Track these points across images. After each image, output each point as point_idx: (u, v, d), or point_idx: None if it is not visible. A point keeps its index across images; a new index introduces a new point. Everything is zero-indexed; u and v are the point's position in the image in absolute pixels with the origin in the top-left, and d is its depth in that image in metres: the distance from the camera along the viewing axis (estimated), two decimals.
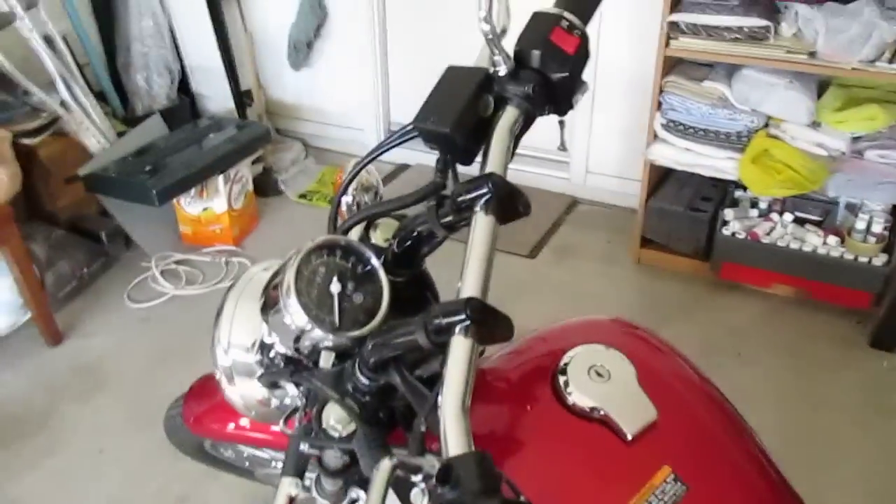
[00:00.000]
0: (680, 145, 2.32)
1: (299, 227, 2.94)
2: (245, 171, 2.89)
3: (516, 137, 0.72)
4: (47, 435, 2.05)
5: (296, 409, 0.78)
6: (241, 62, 3.27)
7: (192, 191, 2.73)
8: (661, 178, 2.59)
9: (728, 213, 2.35)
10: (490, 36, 0.69)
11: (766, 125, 2.22)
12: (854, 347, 2.20)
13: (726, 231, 2.32)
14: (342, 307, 0.72)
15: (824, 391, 2.07)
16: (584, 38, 0.75)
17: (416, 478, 0.53)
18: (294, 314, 0.69)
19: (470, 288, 0.59)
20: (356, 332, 0.71)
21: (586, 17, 0.77)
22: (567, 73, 0.73)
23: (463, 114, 0.69)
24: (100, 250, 2.72)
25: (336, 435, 0.71)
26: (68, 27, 2.86)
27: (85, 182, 2.61)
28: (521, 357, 0.78)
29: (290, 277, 0.70)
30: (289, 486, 0.81)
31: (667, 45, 2.22)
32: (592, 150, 2.93)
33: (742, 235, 2.29)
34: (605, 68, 2.72)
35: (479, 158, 0.72)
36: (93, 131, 2.70)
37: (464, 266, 0.62)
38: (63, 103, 2.64)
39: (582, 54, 0.75)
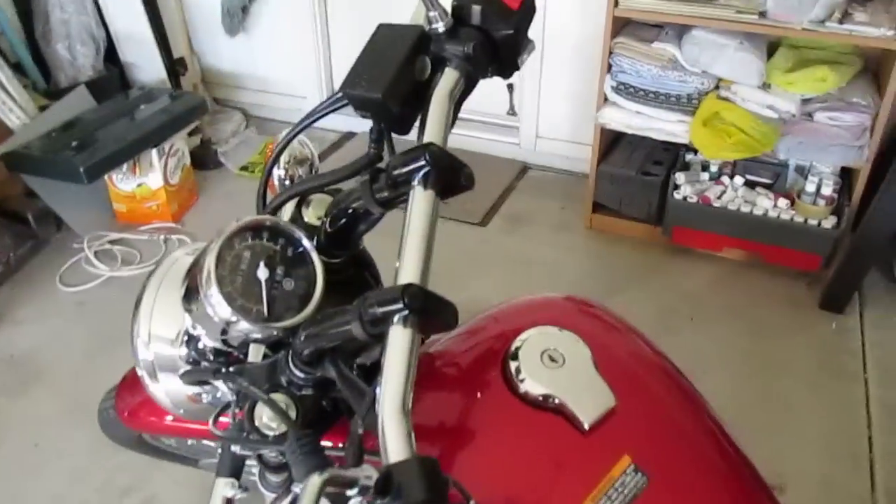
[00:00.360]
0: (630, 108, 2.28)
1: (241, 200, 2.82)
2: (181, 143, 2.76)
3: (457, 102, 0.66)
4: None
5: (227, 406, 0.70)
6: (171, 29, 3.10)
7: (124, 166, 2.59)
8: (612, 142, 2.54)
9: (679, 177, 2.32)
10: None
11: (717, 87, 2.19)
12: (805, 310, 2.21)
13: (678, 195, 2.29)
14: (271, 295, 0.65)
15: (776, 354, 2.07)
16: None
17: (352, 492, 0.46)
18: (216, 305, 0.62)
19: (408, 273, 0.53)
20: (287, 322, 0.64)
21: None
22: (511, 30, 0.67)
23: (396, 77, 0.62)
24: (28, 233, 2.57)
25: (270, 434, 0.64)
26: None
27: (5, 161, 2.45)
28: (469, 341, 0.72)
29: (209, 264, 0.63)
30: (224, 486, 0.74)
31: (616, 4, 2.16)
32: (542, 115, 2.87)
33: (693, 199, 2.27)
34: (554, 30, 2.65)
35: (416, 126, 0.65)
36: (10, 105, 2.53)
37: (401, 247, 0.55)
38: None
39: (527, 9, 0.68)
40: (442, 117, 0.62)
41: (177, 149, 2.72)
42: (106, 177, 2.59)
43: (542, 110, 2.86)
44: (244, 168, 3.06)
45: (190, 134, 2.94)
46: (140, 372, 0.77)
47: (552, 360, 0.64)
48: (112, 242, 2.62)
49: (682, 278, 2.34)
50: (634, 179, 2.41)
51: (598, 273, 2.42)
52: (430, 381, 0.66)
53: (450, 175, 0.58)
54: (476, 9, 0.66)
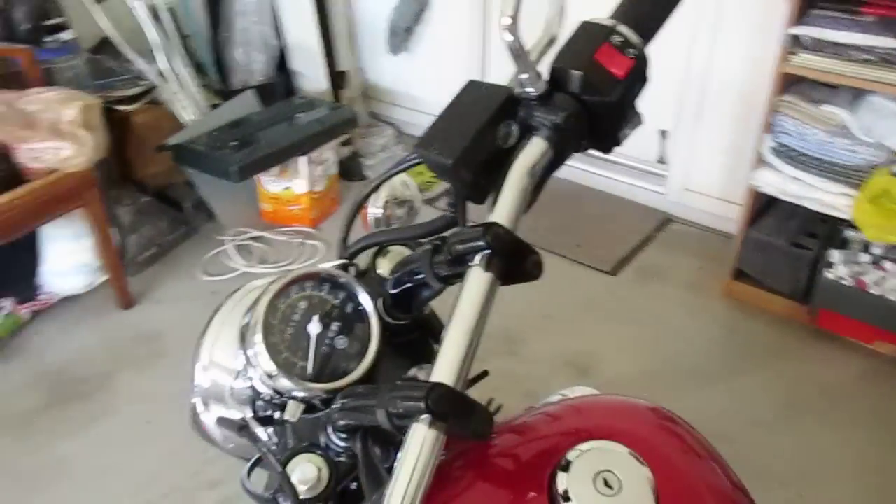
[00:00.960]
0: (789, 173, 2.10)
1: None
2: (329, 153, 2.86)
3: (541, 177, 0.60)
4: (102, 398, 2.08)
5: (259, 459, 0.69)
6: (339, 43, 3.24)
7: (274, 170, 2.72)
8: (765, 205, 2.36)
9: (834, 255, 2.11)
10: (514, 48, 0.57)
11: (892, 162, 1.97)
12: None
13: (830, 274, 2.09)
14: (320, 352, 0.63)
15: None
16: (640, 60, 0.61)
17: None
18: (259, 355, 0.61)
19: (441, 369, 0.49)
20: (329, 386, 0.62)
21: (647, 33, 0.63)
22: (613, 101, 0.60)
23: (474, 143, 0.57)
24: (182, 220, 2.76)
25: (301, 497, 0.62)
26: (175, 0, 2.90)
27: (173, 152, 2.64)
28: (517, 439, 0.65)
29: (259, 312, 0.62)
30: None
31: (785, 60, 2.00)
32: (693, 166, 2.73)
33: (848, 282, 2.05)
34: (716, 78, 2.51)
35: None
36: (186, 103, 2.73)
37: (444, 334, 0.51)
38: (161, 73, 2.68)
39: (635, 79, 0.61)
40: (517, 194, 0.57)
41: (325, 158, 2.83)
42: (256, 177, 2.73)
43: (693, 162, 2.72)
44: None
45: (343, 144, 3.05)
46: (193, 399, 0.77)
47: (607, 485, 0.55)
48: (253, 239, 2.75)
49: (822, 367, 2.13)
50: (784, 250, 2.22)
51: (728, 345, 2.25)
52: (460, 482, 0.60)
53: (513, 260, 0.53)
54: (575, 75, 0.59)
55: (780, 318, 2.28)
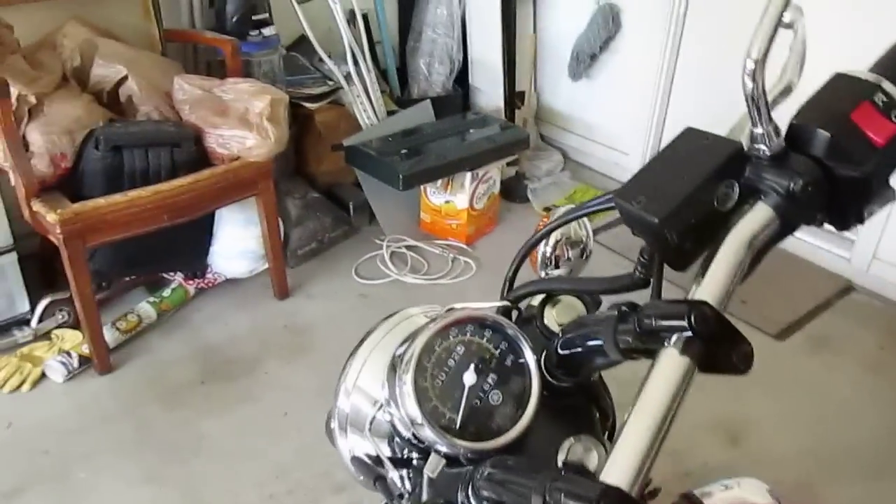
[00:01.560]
0: None
1: None
2: (495, 172, 2.84)
3: (759, 251, 0.51)
4: (247, 383, 2.16)
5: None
6: (521, 62, 3.21)
7: (439, 182, 2.73)
8: None
9: None
10: (755, 95, 0.49)
11: None
12: None
13: None
14: (472, 405, 0.57)
15: None
16: None
17: None
18: (405, 398, 0.56)
19: (618, 469, 0.42)
20: (478, 445, 0.56)
21: None
22: (866, 174, 0.50)
23: (687, 202, 0.49)
24: (345, 219, 2.83)
25: None
26: (371, 6, 2.99)
27: (346, 152, 2.72)
28: None
29: (415, 349, 0.57)
30: None
31: None
32: (887, 233, 2.45)
33: None
34: None
35: (699, 264, 0.52)
36: (366, 106, 2.80)
37: (626, 418, 0.44)
38: (347, 76, 2.77)
39: None
40: (731, 268, 0.48)
41: (490, 176, 2.81)
42: (421, 186, 2.76)
43: (888, 228, 2.44)
44: (547, 209, 3.05)
45: (508, 164, 3.02)
46: (332, 422, 0.74)
47: None
48: (408, 248, 2.78)
49: None
50: None
51: None
52: None
53: (718, 349, 0.45)
54: (822, 135, 0.50)
55: None
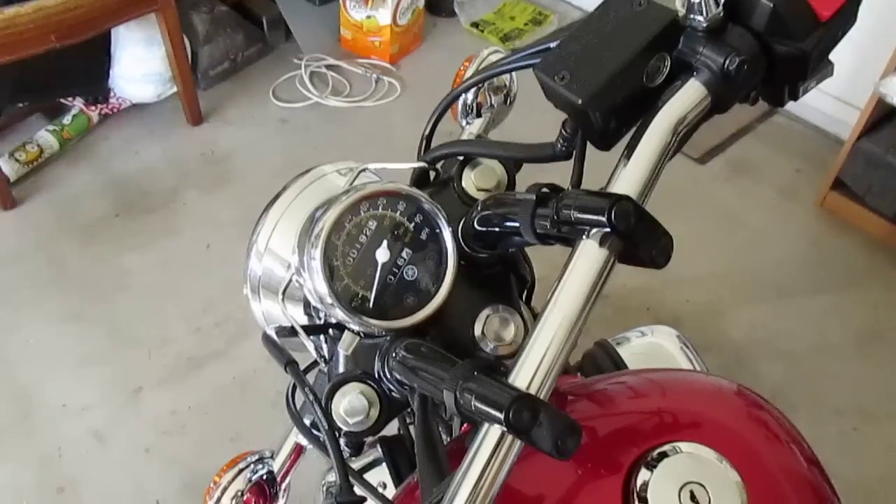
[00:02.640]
0: None
1: (461, 58, 2.70)
2: None
3: (687, 131, 0.47)
4: (165, 216, 2.09)
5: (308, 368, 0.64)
6: None
7: None
8: (884, 116, 2.12)
9: None
10: None
11: None
12: None
13: None
14: (386, 281, 0.55)
15: None
16: None
17: None
18: (315, 275, 0.53)
19: (527, 369, 0.40)
20: (392, 324, 0.54)
21: None
22: (806, 51, 0.46)
23: (613, 80, 0.45)
24: (258, 36, 2.63)
25: (344, 428, 0.56)
26: None
27: None
28: (595, 410, 0.57)
29: (325, 224, 0.53)
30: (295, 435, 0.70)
31: None
32: None
33: None
34: None
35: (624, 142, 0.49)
36: None
37: (541, 313, 0.42)
38: None
39: (842, 21, 0.47)
40: (656, 155, 0.45)
41: None
42: (340, 1, 2.56)
43: None
44: (475, 24, 2.91)
45: None
46: (245, 285, 0.71)
47: (693, 500, 0.47)
48: (329, 67, 2.63)
49: None
50: (895, 168, 2.01)
51: (812, 260, 2.10)
52: (524, 477, 0.52)
53: (636, 244, 0.42)
54: (764, 7, 0.45)
55: (875, 240, 2.11)
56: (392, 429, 0.73)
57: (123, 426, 1.64)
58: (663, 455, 0.48)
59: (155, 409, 1.67)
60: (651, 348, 0.88)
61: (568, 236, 0.44)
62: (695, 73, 0.46)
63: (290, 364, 0.54)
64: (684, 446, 0.49)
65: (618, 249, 0.42)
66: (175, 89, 2.32)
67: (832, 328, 1.92)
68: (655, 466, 0.48)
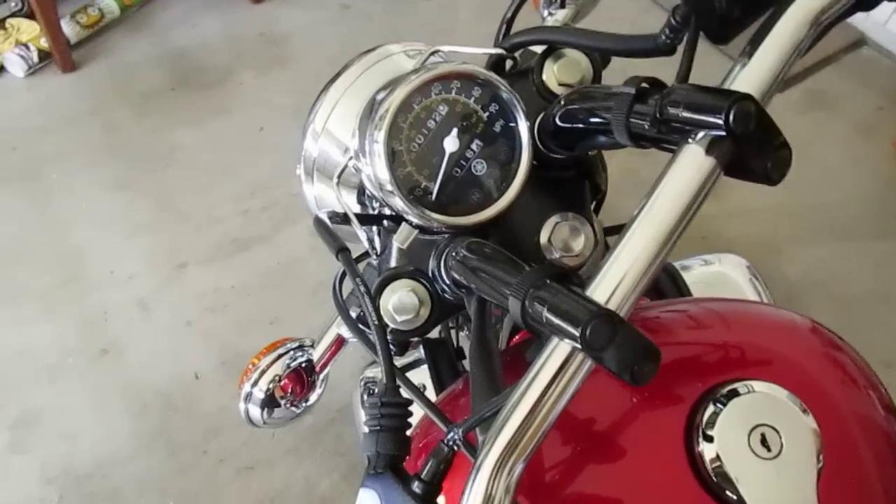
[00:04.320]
0: None
1: None
2: None
3: (827, 26, 0.41)
4: (220, 94, 2.06)
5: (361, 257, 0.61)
6: None
7: None
8: None
9: None
10: None
11: None
12: None
13: None
14: (451, 174, 0.51)
15: None
16: None
17: None
18: (376, 160, 0.49)
19: (610, 281, 0.37)
20: (455, 220, 0.51)
21: None
22: None
23: None
24: None
25: (391, 325, 0.54)
26: None
27: None
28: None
29: (390, 108, 0.49)
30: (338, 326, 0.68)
31: None
32: None
33: None
34: None
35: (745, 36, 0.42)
36: None
37: (629, 223, 0.38)
38: None
39: None
40: (786, 52, 0.39)
41: None
42: None
43: None
44: None
45: None
46: (299, 166, 0.68)
47: (764, 443, 0.44)
48: None
49: None
50: None
51: (879, 203, 1.99)
52: (578, 417, 0.49)
53: (751, 153, 0.37)
54: None
55: None
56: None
57: (167, 298, 1.67)
58: (734, 392, 0.45)
59: (198, 284, 1.69)
60: (718, 277, 0.83)
61: (668, 138, 0.39)
62: None
63: (341, 251, 0.51)
64: (758, 385, 0.45)
65: (727, 158, 0.37)
66: None
67: (892, 276, 1.83)
68: (725, 403, 0.44)
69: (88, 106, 2.00)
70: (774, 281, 1.79)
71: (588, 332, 0.33)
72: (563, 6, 0.74)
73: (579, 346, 0.34)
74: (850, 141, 2.12)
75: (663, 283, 0.77)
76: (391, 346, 0.59)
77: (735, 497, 0.44)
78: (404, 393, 0.47)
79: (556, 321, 0.35)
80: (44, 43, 2.03)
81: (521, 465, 0.36)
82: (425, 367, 0.78)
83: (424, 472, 0.40)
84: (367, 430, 0.43)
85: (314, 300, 1.66)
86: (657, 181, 0.38)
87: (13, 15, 2.10)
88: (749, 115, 0.35)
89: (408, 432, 0.43)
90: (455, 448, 0.41)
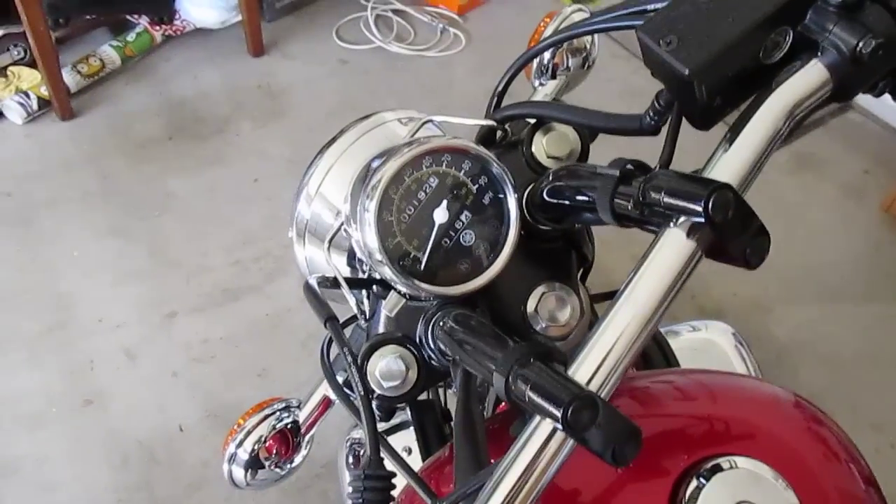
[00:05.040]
0: None
1: (532, 18, 2.62)
2: None
3: (801, 118, 0.43)
4: (217, 144, 2.08)
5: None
6: None
7: None
8: None
9: None
10: None
11: None
12: None
13: None
14: (440, 244, 0.52)
15: None
16: None
17: None
18: (366, 229, 0.50)
19: (592, 361, 0.37)
20: (443, 290, 0.51)
21: None
22: None
23: (727, 51, 0.40)
24: None
25: (378, 391, 0.54)
26: None
27: None
28: (638, 410, 0.53)
29: (382, 180, 0.50)
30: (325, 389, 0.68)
31: None
32: None
33: None
34: None
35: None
36: None
37: (612, 304, 0.39)
38: None
39: None
40: (764, 141, 0.40)
41: None
42: None
43: None
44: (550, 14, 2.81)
45: None
46: (291, 228, 0.69)
47: None
48: (395, 12, 2.57)
49: None
50: None
51: (868, 265, 2.02)
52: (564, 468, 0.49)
53: (731, 241, 0.38)
54: None
55: None
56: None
57: (155, 348, 1.66)
58: (717, 468, 0.45)
59: (187, 334, 1.69)
60: (704, 345, 0.84)
61: (649, 220, 0.41)
62: (819, 53, 0.41)
63: (329, 320, 0.52)
64: (741, 461, 0.45)
65: (707, 242, 0.38)
66: (240, 18, 2.29)
67: (881, 339, 1.84)
68: (708, 479, 0.44)
69: (85, 153, 2.02)
70: (763, 341, 1.80)
71: (569, 413, 0.34)
72: (554, 77, 0.76)
73: (559, 426, 0.34)
74: (838, 203, 2.15)
75: (651, 350, 0.78)
76: (377, 412, 0.59)
77: None
78: (389, 465, 0.47)
79: (539, 401, 0.36)
80: (44, 91, 2.06)
81: None
82: (411, 429, 0.77)
83: None
84: (350, 502, 0.43)
85: (303, 352, 1.65)
86: (639, 262, 0.39)
87: (15, 63, 2.13)
88: (727, 203, 0.36)
89: None
90: None
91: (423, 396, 0.85)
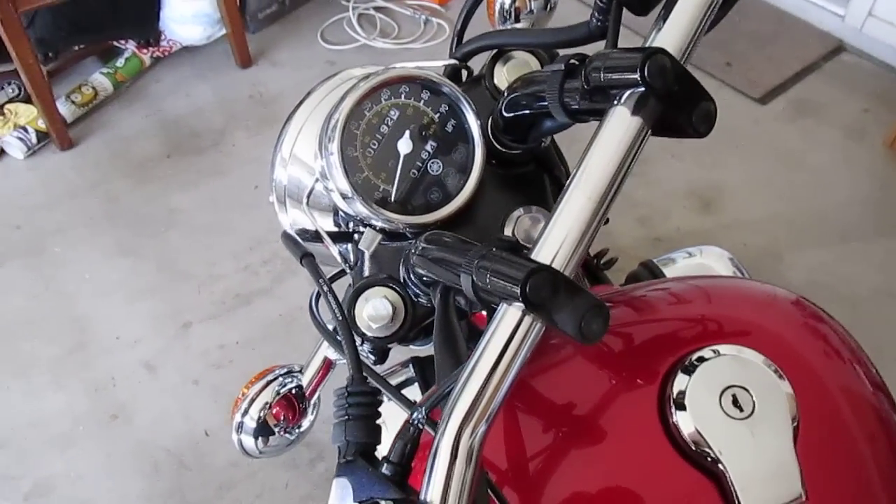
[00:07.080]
0: None
1: None
2: None
3: None
4: (215, 157, 2.10)
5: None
6: None
7: None
8: None
9: None
10: None
11: None
12: None
13: None
14: (408, 176, 0.52)
15: None
16: None
17: None
18: (334, 171, 0.51)
19: (550, 248, 0.37)
20: (415, 219, 0.52)
21: None
22: None
23: None
24: None
25: (368, 334, 0.55)
26: None
27: None
28: (633, 316, 0.53)
29: (340, 116, 0.51)
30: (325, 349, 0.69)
31: None
32: None
33: None
34: None
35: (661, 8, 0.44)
36: None
37: (566, 187, 0.39)
38: None
39: None
40: (698, 9, 0.40)
41: None
42: None
43: None
44: None
45: None
46: (271, 195, 0.70)
47: (736, 404, 0.44)
48: (377, 9, 2.59)
49: None
50: None
51: (877, 202, 2.00)
52: (556, 364, 0.49)
53: (675, 108, 0.38)
54: None
55: None
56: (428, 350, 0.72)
57: (173, 358, 1.68)
58: (701, 359, 0.45)
59: (203, 343, 1.70)
60: (699, 269, 0.83)
61: (600, 107, 0.41)
62: None
63: (305, 257, 0.53)
64: (724, 349, 0.45)
65: (654, 116, 0.39)
66: (224, 31, 2.31)
67: (887, 272, 1.83)
68: (693, 371, 0.44)
69: (88, 179, 2.05)
70: None
71: (528, 288, 0.34)
72: (517, 21, 0.76)
73: (522, 306, 0.35)
74: (840, 145, 2.14)
75: (644, 279, 0.78)
76: (371, 355, 0.59)
77: (714, 461, 0.44)
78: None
79: (500, 283, 0.36)
80: (41, 124, 2.09)
81: (482, 430, 0.36)
82: (416, 385, 0.78)
83: (392, 453, 0.41)
84: (336, 421, 0.43)
85: None
86: (588, 144, 0.40)
87: (11, 101, 2.17)
88: (664, 68, 0.36)
89: (378, 421, 0.44)
90: (420, 427, 0.41)
91: (425, 353, 0.86)
